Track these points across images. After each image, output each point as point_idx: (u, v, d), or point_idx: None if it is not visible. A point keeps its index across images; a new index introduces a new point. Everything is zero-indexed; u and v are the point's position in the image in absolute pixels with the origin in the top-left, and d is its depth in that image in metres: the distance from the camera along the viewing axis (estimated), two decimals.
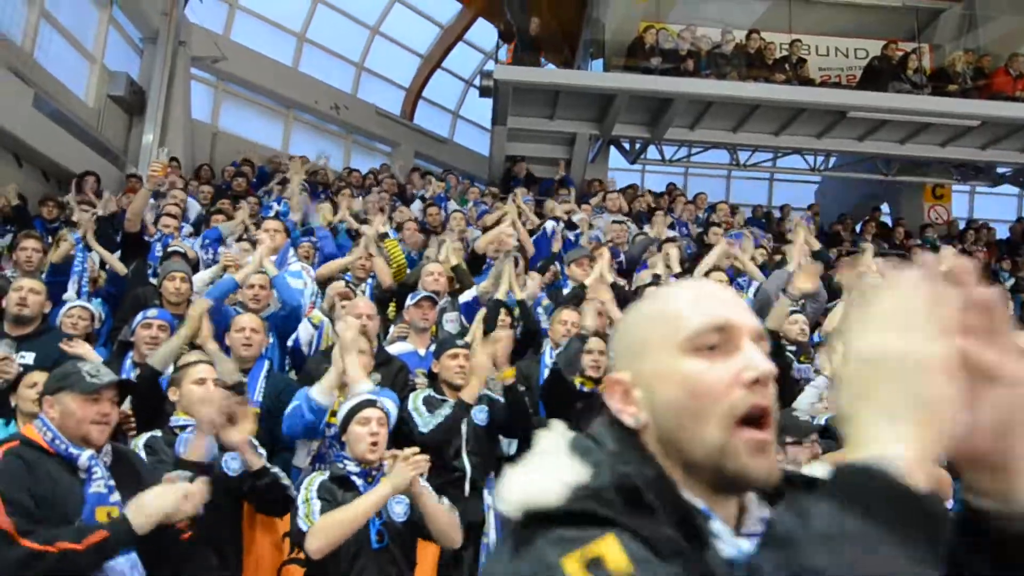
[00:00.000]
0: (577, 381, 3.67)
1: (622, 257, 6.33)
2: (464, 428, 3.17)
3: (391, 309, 4.95)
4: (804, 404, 3.61)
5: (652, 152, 11.16)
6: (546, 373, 3.89)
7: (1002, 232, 11.02)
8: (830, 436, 3.17)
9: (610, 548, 0.62)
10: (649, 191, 10.28)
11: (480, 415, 3.20)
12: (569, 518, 0.65)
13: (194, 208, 7.35)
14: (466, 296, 4.60)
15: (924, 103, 9.04)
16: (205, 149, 10.61)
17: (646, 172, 12.56)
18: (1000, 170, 10.86)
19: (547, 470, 0.71)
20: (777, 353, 4.14)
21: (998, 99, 9.24)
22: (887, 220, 11.24)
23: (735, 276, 6.19)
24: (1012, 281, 8.59)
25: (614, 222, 7.59)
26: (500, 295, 4.35)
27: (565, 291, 5.13)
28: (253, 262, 4.10)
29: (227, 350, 3.51)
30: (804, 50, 10.58)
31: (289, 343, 4.08)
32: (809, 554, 0.54)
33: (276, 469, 2.67)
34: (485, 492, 3.11)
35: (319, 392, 3.01)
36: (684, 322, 0.79)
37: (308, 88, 11.81)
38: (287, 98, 11.75)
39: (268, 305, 4.30)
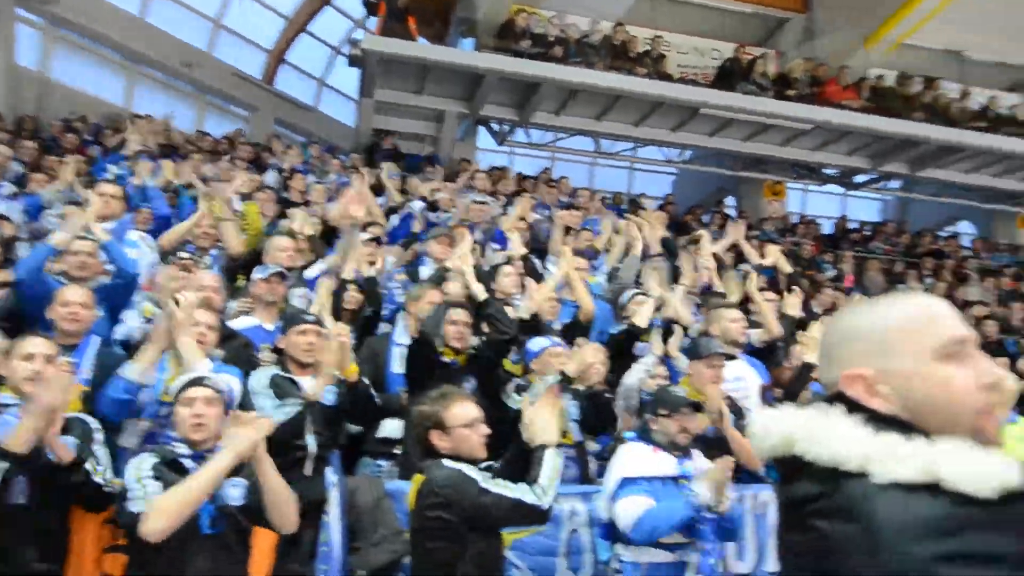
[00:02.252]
0: (443, 352, 3.68)
1: (480, 236, 6.40)
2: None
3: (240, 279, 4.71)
4: (633, 380, 3.83)
5: (521, 135, 11.33)
6: (396, 351, 3.86)
7: (828, 227, 12.22)
8: (699, 410, 3.41)
9: None
10: (519, 174, 10.44)
11: (328, 396, 3.13)
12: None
13: (16, 166, 6.59)
14: (314, 270, 4.47)
15: (767, 105, 9.79)
16: (31, 100, 9.51)
17: (515, 155, 12.73)
18: (827, 171, 12.00)
19: (960, 451, 0.89)
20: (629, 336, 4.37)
21: (829, 106, 10.17)
22: (732, 212, 12.10)
23: (592, 257, 6.44)
24: (834, 272, 9.56)
25: (475, 202, 7.66)
26: (346, 273, 4.25)
27: (423, 269, 5.12)
28: (74, 225, 3.72)
29: (48, 325, 3.20)
30: (665, 46, 11.12)
31: (118, 336, 3.76)
32: None
33: (89, 465, 2.48)
34: (328, 471, 3.05)
35: (133, 370, 2.84)
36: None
37: (156, 41, 10.89)
38: (132, 50, 10.77)
39: (97, 275, 3.94)
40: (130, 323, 3.77)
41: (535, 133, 11.31)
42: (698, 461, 2.99)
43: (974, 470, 0.86)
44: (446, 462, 2.32)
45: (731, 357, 4.04)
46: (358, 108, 10.82)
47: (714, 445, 3.44)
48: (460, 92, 9.86)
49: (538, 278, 4.86)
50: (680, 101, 9.72)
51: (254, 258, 4.54)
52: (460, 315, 3.72)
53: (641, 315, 4.33)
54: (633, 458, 2.84)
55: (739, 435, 3.41)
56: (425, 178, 8.39)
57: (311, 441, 3.03)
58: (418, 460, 2.47)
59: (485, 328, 3.99)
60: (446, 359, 3.64)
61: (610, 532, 2.87)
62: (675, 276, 5.95)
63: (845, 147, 11.04)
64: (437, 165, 9.66)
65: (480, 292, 4.10)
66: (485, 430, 2.43)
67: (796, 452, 0.98)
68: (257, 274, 4.03)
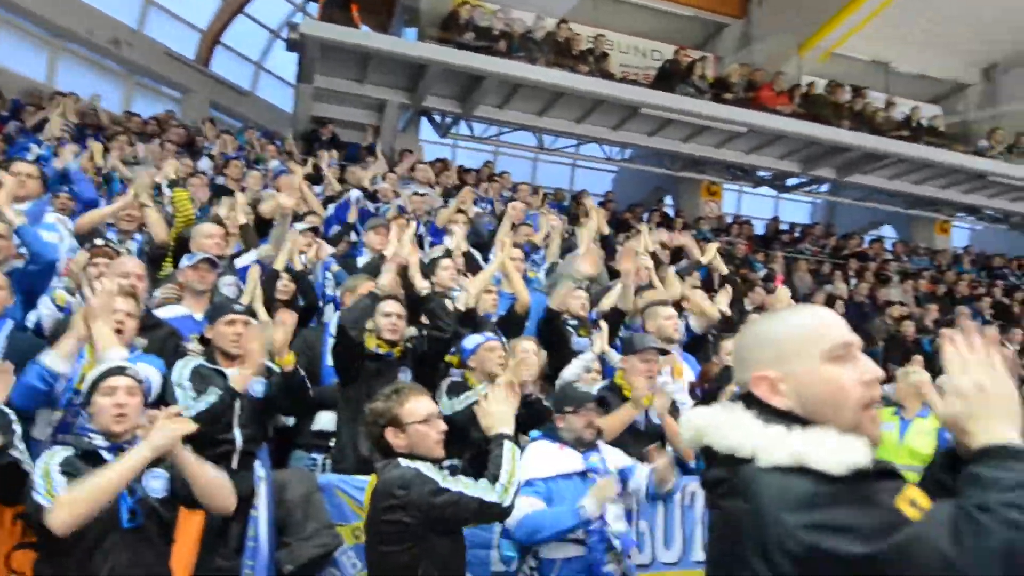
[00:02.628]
0: (372, 343, 3.62)
1: (421, 229, 6.35)
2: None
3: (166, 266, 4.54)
4: (571, 375, 3.88)
5: (464, 128, 11.29)
6: (331, 344, 3.80)
7: (760, 228, 12.62)
8: (604, 405, 3.45)
9: (916, 491, 1.04)
10: (460, 167, 10.40)
11: (256, 387, 3.04)
12: (881, 474, 1.07)
13: None
14: (245, 260, 4.34)
15: (704, 107, 10.03)
16: None
17: (458, 148, 12.68)
18: (761, 173, 12.39)
19: (822, 439, 1.09)
20: (556, 328, 4.42)
21: (764, 110, 10.50)
22: (670, 211, 12.36)
23: (530, 252, 6.47)
24: (765, 271, 9.87)
25: (415, 193, 7.60)
26: (278, 264, 4.15)
27: (359, 260, 5.04)
28: None
29: None
30: (608, 45, 11.26)
31: (29, 323, 3.57)
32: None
33: (16, 451, 2.35)
34: (256, 465, 2.98)
35: (53, 358, 2.71)
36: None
37: (82, 15, 10.34)
38: (56, 25, 10.21)
39: (9, 259, 3.73)
40: (42, 309, 3.58)
41: (478, 127, 11.28)
42: (605, 453, 3.01)
43: (831, 453, 1.06)
44: (403, 461, 2.25)
45: (665, 352, 4.13)
46: (296, 94, 10.56)
47: (643, 436, 3.52)
48: (402, 82, 9.75)
49: (478, 272, 4.86)
50: (621, 100, 9.85)
51: (183, 245, 4.38)
52: (393, 307, 3.67)
53: (572, 305, 4.40)
54: (536, 458, 2.82)
55: (676, 426, 3.49)
56: (366, 167, 8.27)
57: (238, 435, 2.95)
58: (375, 460, 2.41)
59: (424, 321, 3.97)
60: (380, 351, 3.59)
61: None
62: (611, 273, 6.06)
63: (778, 151, 11.41)
64: (378, 155, 9.54)
65: (423, 286, 4.06)
66: (442, 426, 2.38)
67: (705, 443, 1.20)
68: (185, 262, 3.88)
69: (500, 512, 2.25)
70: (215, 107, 11.88)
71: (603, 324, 4.27)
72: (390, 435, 2.31)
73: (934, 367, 6.74)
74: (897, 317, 8.86)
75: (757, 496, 1.07)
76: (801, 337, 1.21)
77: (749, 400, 1.20)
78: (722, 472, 1.16)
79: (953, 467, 1.16)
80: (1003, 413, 1.08)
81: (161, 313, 3.69)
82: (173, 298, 3.88)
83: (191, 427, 2.28)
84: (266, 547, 2.94)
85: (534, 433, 3.10)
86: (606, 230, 6.99)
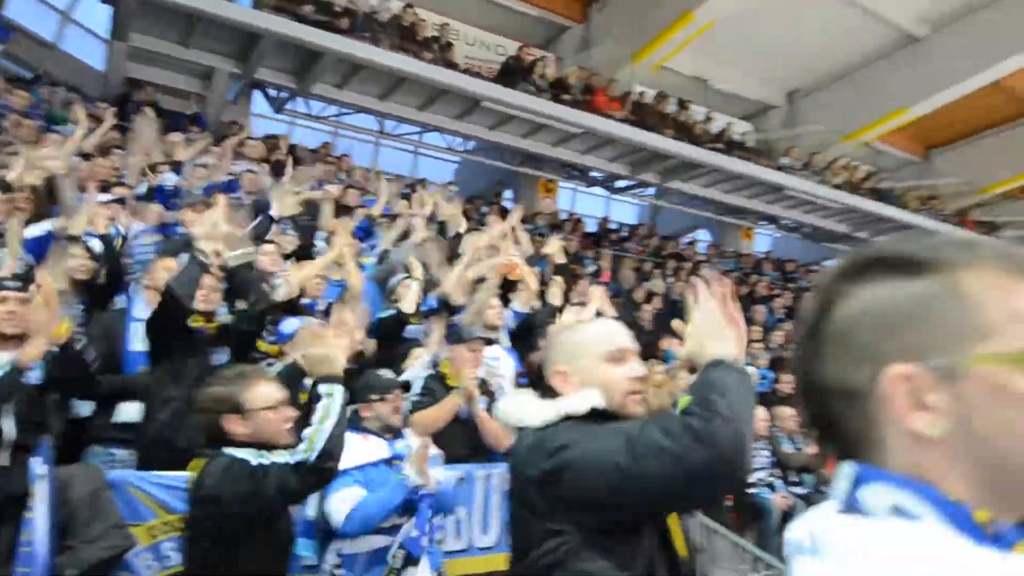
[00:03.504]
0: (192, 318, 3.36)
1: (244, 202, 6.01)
2: None
3: None
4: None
5: (301, 106, 10.80)
6: (134, 327, 3.48)
7: (592, 226, 13.28)
8: (407, 389, 3.45)
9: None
10: (294, 145, 9.94)
11: (34, 372, 2.71)
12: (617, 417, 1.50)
13: None
14: (36, 230, 3.87)
15: (544, 106, 10.32)
16: None
17: (295, 125, 12.10)
18: (594, 174, 13.02)
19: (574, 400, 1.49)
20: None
21: (598, 114, 11.02)
22: (509, 205, 12.65)
23: (364, 236, 6.35)
24: (594, 268, 10.41)
25: (248, 171, 7.18)
26: (75, 230, 3.74)
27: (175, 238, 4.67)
28: None
29: None
30: (453, 35, 11.28)
31: None
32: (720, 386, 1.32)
33: None
34: (33, 461, 2.65)
35: None
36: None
37: None
38: None
39: None
40: None
41: (317, 105, 10.84)
42: (411, 440, 3.01)
43: (578, 403, 1.46)
44: (227, 450, 2.09)
45: (491, 341, 4.23)
46: (109, 51, 9.52)
47: (470, 425, 3.59)
48: (233, 50, 9.11)
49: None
50: (464, 91, 9.89)
51: None
52: (212, 281, 3.44)
53: (408, 300, 4.36)
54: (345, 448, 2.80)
55: (486, 416, 3.58)
56: (188, 140, 7.65)
57: (8, 425, 2.61)
58: (198, 450, 2.20)
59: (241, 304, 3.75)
60: (194, 326, 3.35)
61: (315, 529, 2.75)
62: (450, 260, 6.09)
63: (609, 154, 12.04)
64: (204, 126, 8.86)
65: (234, 259, 3.82)
66: (291, 412, 2.23)
67: (509, 422, 1.55)
68: None
69: (312, 470, 2.02)
70: (9, 57, 10.42)
71: (437, 322, 4.27)
72: (230, 422, 2.14)
73: None
74: None
75: (543, 440, 1.41)
76: (591, 341, 1.58)
77: (549, 389, 1.56)
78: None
79: None
80: (717, 339, 1.43)
81: None
82: None
83: None
84: (44, 552, 2.63)
85: None
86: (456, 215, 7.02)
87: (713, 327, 1.44)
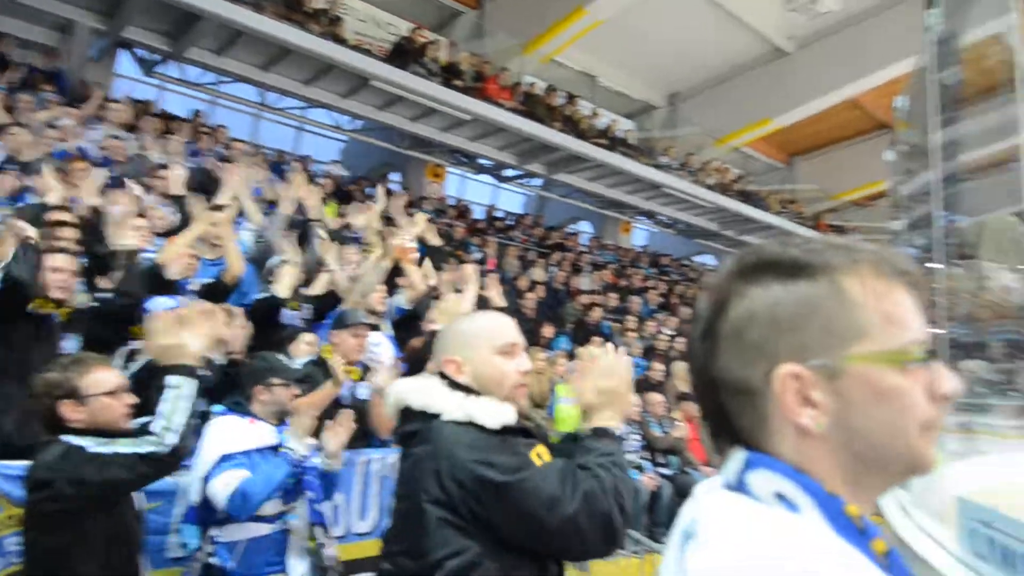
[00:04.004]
0: (37, 303, 3.08)
1: (115, 172, 5.58)
2: None
3: None
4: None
5: (174, 70, 10.09)
6: None
7: (479, 213, 13.35)
8: (308, 380, 3.36)
9: (543, 448, 1.54)
10: (165, 111, 9.29)
11: None
12: (523, 432, 1.57)
13: None
14: None
15: (434, 90, 10.22)
16: None
17: (165, 90, 11.29)
18: (482, 161, 13.07)
19: (486, 404, 1.56)
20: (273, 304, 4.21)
21: (488, 102, 11.06)
22: (395, 188, 12.46)
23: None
24: (480, 255, 10.47)
25: (112, 136, 6.65)
26: None
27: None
28: None
29: None
30: (343, 9, 10.92)
31: None
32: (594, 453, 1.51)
33: None
34: None
35: None
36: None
37: None
38: None
39: None
40: None
41: (192, 71, 10.17)
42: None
43: (490, 414, 1.52)
44: (65, 438, 2.01)
45: (375, 327, 4.18)
46: None
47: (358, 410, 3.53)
48: (97, 4, 8.37)
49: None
50: (352, 68, 9.60)
51: None
52: (64, 262, 3.17)
53: (283, 284, 4.22)
54: (226, 433, 2.69)
55: (377, 401, 3.54)
56: (42, 100, 6.97)
57: None
58: (32, 439, 2.10)
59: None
60: (42, 311, 3.08)
61: (201, 515, 2.66)
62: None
63: (498, 142, 12.11)
64: (62, 85, 8.09)
65: (114, 239, 3.55)
66: (130, 399, 2.16)
67: (406, 403, 1.60)
68: None
69: (161, 461, 1.99)
70: None
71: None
72: (65, 408, 2.06)
73: (611, 347, 7.79)
74: (586, 304, 10.05)
75: (438, 440, 1.48)
76: (483, 334, 1.65)
77: (443, 376, 1.62)
78: (416, 425, 1.55)
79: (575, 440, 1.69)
80: (613, 407, 1.59)
81: None
82: None
83: None
84: None
85: (217, 408, 2.90)
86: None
87: (610, 395, 1.59)
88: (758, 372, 0.66)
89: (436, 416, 1.51)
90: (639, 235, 17.57)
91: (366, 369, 3.67)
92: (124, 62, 9.89)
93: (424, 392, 1.57)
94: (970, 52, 5.63)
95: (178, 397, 2.03)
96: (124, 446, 1.99)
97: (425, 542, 1.40)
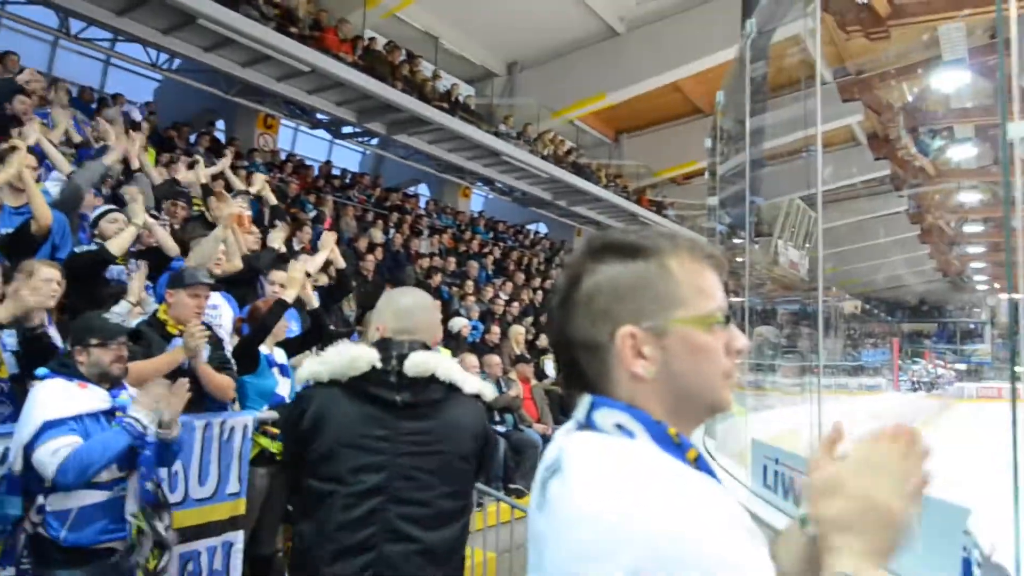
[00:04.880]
0: None
1: None
2: None
3: None
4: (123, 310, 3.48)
5: None
6: None
7: (314, 170, 12.81)
8: (136, 339, 3.14)
9: None
10: None
11: None
12: None
13: None
14: None
15: (267, 35, 9.54)
16: None
17: None
18: (319, 116, 12.52)
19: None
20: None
21: (327, 54, 10.55)
22: (221, 137, 11.60)
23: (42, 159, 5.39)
24: (315, 213, 10.11)
25: None
26: None
27: None
28: None
29: None
30: None
31: None
32: None
33: None
34: None
35: None
36: None
37: None
38: None
39: None
40: None
41: None
42: (132, 390, 2.79)
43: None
44: None
45: (215, 288, 3.97)
46: None
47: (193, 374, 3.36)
48: None
49: None
50: (174, 3, 8.70)
51: None
52: None
53: (118, 241, 3.88)
54: (55, 397, 2.49)
55: (209, 369, 3.40)
56: None
57: None
58: None
59: None
60: None
61: (22, 484, 2.46)
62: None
63: (336, 97, 11.56)
64: None
65: None
66: None
67: (432, 373, 1.91)
68: None
69: None
70: None
71: (141, 263, 3.86)
72: None
73: (448, 312, 7.96)
74: (426, 267, 10.12)
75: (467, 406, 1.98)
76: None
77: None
78: (440, 394, 1.93)
79: None
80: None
81: None
82: None
83: None
84: None
85: (42, 370, 2.65)
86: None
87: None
88: (603, 332, 0.82)
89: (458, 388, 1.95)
90: (477, 201, 17.84)
91: (211, 332, 3.49)
92: None
93: (449, 367, 1.92)
94: (774, 50, 6.35)
95: None
96: None
97: (466, 485, 1.98)
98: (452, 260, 11.25)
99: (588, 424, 0.82)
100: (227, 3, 9.21)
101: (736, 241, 7.22)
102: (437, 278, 9.54)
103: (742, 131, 6.20)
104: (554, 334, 0.89)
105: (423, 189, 16.73)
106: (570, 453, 0.80)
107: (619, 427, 0.79)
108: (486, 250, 13.29)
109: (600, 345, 0.82)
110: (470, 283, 10.22)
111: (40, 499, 2.39)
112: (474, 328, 8.10)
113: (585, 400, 0.84)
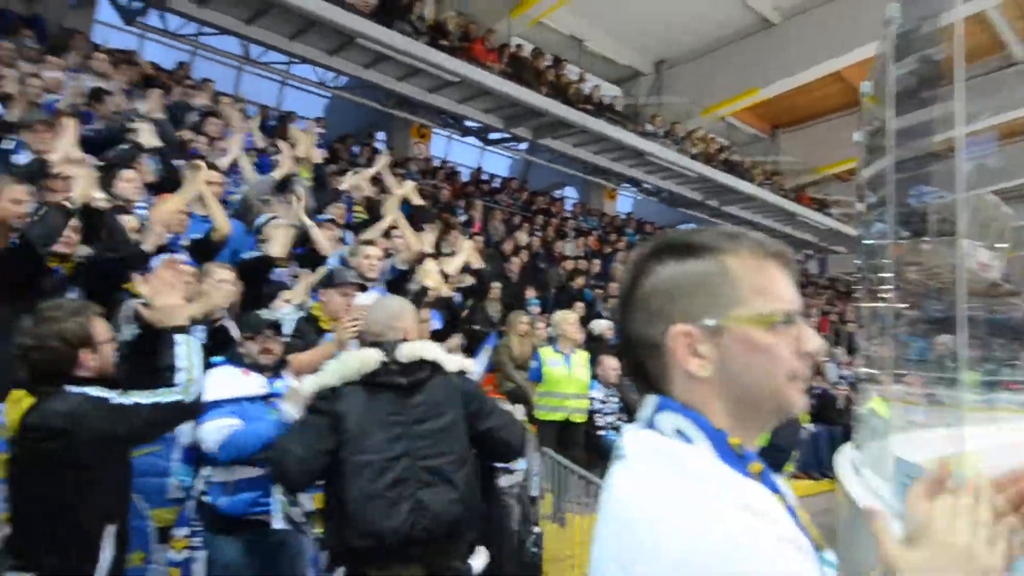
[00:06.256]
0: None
1: (95, 125, 5.53)
2: None
3: None
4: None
5: (155, 20, 9.89)
6: None
7: (465, 176, 13.34)
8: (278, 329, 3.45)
9: None
10: (151, 63, 9.13)
11: None
12: None
13: None
14: None
15: (421, 50, 10.09)
16: None
17: (147, 40, 11.06)
18: (468, 123, 13.00)
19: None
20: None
21: (475, 64, 10.95)
22: (381, 147, 12.38)
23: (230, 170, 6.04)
24: (465, 217, 10.53)
25: (102, 91, 6.56)
26: None
27: (17, 158, 4.26)
28: None
29: None
30: None
31: None
32: None
33: None
34: None
35: None
36: None
37: None
38: None
39: None
40: None
41: (174, 21, 9.97)
42: (289, 380, 3.02)
43: (475, 367, 2.42)
44: (72, 389, 2.03)
45: (363, 288, 4.26)
46: None
47: None
48: None
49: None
50: (336, 25, 9.43)
51: None
52: (70, 223, 3.24)
53: (278, 243, 4.28)
54: (219, 381, 2.79)
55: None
56: (23, 47, 6.83)
57: None
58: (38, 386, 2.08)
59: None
60: (54, 266, 3.16)
61: (192, 456, 2.82)
62: (324, 204, 5.98)
63: (485, 105, 11.99)
64: (40, 30, 7.92)
65: (99, 198, 3.59)
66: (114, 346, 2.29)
67: (420, 357, 2.39)
68: None
69: (185, 409, 2.18)
70: None
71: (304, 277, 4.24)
72: (84, 356, 2.11)
73: (591, 314, 7.97)
74: (570, 269, 10.19)
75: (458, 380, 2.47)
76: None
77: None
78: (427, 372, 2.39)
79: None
80: None
81: None
82: None
83: None
84: None
85: (216, 358, 3.02)
86: (316, 157, 6.78)
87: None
88: (659, 331, 0.83)
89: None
90: (624, 202, 17.66)
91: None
92: (104, 10, 9.69)
93: (435, 351, 2.39)
94: (948, 32, 5.73)
95: (191, 352, 2.18)
96: (142, 397, 2.08)
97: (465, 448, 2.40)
98: (597, 262, 11.23)
99: (651, 425, 0.83)
100: (383, 22, 9.86)
101: (900, 241, 6.61)
102: (580, 280, 9.57)
103: (911, 122, 5.67)
104: (619, 334, 0.91)
105: (570, 192, 16.82)
106: (630, 452, 0.83)
107: (679, 432, 0.80)
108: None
109: (658, 344, 0.83)
110: (614, 285, 10.14)
111: (206, 470, 2.73)
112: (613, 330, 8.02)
113: (651, 400, 0.85)
